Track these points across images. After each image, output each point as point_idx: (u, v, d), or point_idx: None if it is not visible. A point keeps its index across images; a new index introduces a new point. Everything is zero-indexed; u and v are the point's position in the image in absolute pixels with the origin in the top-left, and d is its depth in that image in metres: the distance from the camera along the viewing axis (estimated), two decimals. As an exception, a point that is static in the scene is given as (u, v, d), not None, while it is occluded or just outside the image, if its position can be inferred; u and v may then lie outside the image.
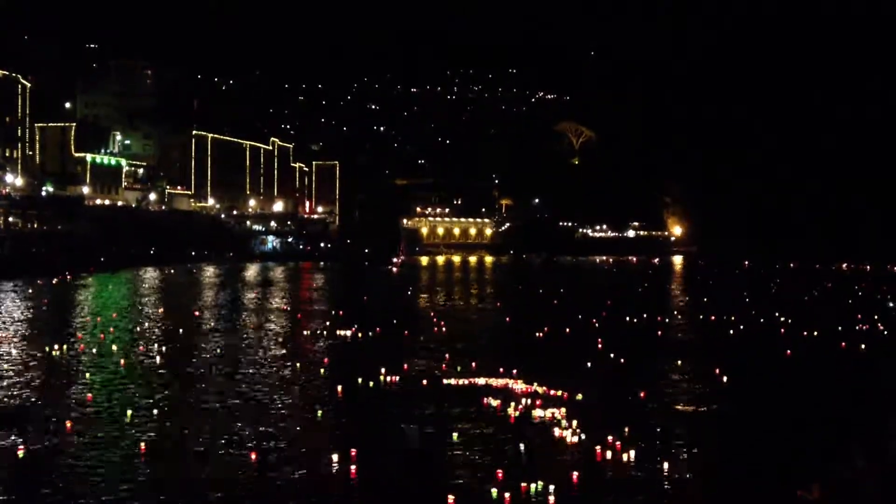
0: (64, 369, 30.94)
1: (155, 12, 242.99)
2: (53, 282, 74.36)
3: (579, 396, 26.44)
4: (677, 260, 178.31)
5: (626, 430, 21.99)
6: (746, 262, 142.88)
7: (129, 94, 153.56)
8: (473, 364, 32.54)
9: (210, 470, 18.94)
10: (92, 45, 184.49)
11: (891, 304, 65.01)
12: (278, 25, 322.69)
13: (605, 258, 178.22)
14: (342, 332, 42.37)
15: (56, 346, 35.00)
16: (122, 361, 32.39)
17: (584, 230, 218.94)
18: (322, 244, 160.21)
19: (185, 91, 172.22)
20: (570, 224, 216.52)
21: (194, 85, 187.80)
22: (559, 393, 27.06)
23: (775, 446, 21.65)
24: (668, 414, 25.10)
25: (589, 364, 33.48)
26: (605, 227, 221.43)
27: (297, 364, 32.68)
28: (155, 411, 24.01)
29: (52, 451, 20.19)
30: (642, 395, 27.28)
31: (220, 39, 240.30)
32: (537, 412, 24.45)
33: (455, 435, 21.88)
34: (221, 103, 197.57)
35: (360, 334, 41.70)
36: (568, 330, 45.06)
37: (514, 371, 30.38)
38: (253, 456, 19.81)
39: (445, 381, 29.30)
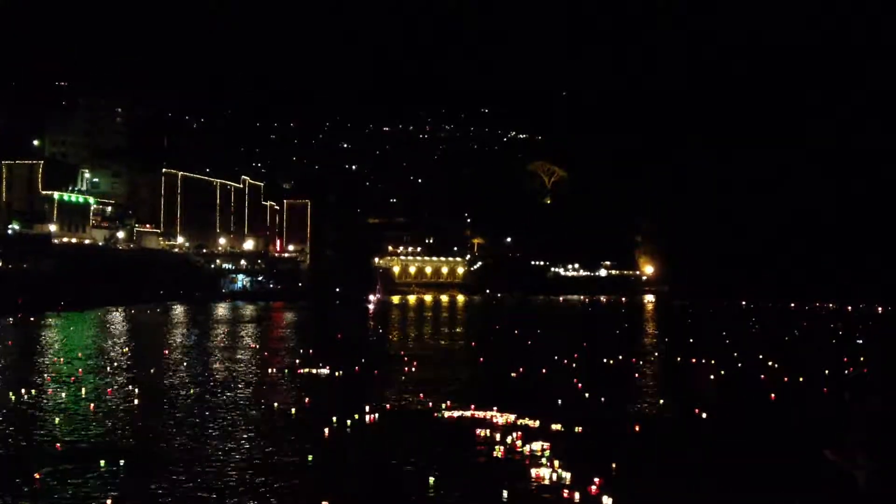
0: (30, 415, 29.85)
1: (124, 50, 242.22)
2: (10, 321, 73.06)
3: (559, 427, 26.46)
4: (649, 299, 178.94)
5: (612, 467, 21.95)
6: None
7: (98, 131, 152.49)
8: (448, 403, 32.04)
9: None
10: (61, 83, 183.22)
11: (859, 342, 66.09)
12: (249, 63, 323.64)
13: (578, 297, 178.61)
14: (315, 371, 41.77)
15: (23, 391, 33.87)
16: (92, 406, 31.38)
17: (557, 269, 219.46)
18: (293, 283, 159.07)
19: (154, 129, 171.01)
20: (542, 263, 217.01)
21: (164, 123, 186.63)
22: (534, 423, 27.17)
23: (749, 484, 21.48)
24: (648, 453, 24.80)
25: (560, 402, 33.07)
26: (577, 266, 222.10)
27: (275, 404, 31.93)
28: (122, 462, 23.00)
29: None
30: (631, 429, 26.87)
31: (190, 77, 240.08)
32: (520, 448, 24.16)
33: (432, 480, 21.32)
34: (192, 141, 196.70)
35: (336, 373, 41.12)
36: (544, 371, 44.57)
37: (495, 407, 30.05)
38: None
39: (422, 419, 28.77)
